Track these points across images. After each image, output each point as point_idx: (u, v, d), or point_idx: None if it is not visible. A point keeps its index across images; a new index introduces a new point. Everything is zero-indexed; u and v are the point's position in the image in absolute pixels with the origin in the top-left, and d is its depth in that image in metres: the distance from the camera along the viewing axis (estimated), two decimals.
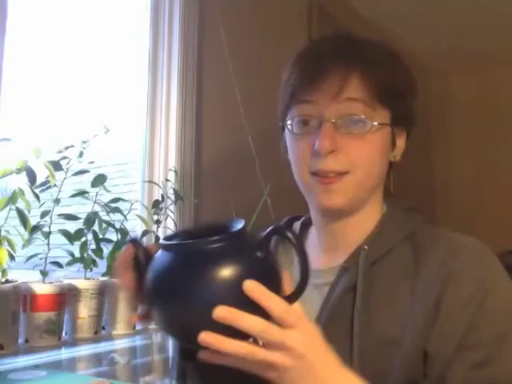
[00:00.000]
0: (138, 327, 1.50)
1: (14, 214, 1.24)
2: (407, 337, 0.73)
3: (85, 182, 1.45)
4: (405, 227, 0.82)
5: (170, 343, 1.59)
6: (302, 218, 0.93)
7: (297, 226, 0.93)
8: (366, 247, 0.79)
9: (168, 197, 1.70)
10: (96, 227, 1.41)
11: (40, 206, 1.32)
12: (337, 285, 0.79)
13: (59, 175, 1.34)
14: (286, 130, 0.83)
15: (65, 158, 1.36)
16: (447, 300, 0.73)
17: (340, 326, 0.76)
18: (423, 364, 0.73)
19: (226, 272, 0.55)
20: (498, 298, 0.73)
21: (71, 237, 1.37)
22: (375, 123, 0.77)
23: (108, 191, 1.44)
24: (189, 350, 0.71)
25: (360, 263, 0.78)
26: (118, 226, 1.46)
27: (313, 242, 0.89)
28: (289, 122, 0.81)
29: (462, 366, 0.70)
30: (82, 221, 1.39)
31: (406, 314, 0.74)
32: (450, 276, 0.74)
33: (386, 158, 0.82)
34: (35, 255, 1.31)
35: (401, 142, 0.84)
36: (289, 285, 0.59)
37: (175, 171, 1.77)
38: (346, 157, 0.77)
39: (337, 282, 0.79)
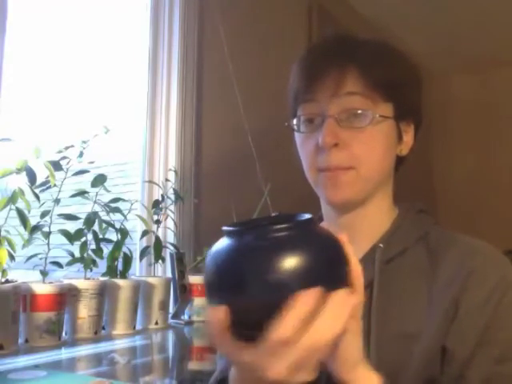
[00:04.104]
0: (138, 327, 1.50)
1: (14, 213, 1.24)
2: (425, 333, 0.73)
3: (85, 181, 1.45)
4: (418, 228, 0.83)
5: (171, 345, 1.59)
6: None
7: None
8: (381, 245, 0.80)
9: (168, 197, 1.70)
10: (96, 227, 1.41)
11: (40, 206, 1.32)
12: None
13: (59, 175, 1.34)
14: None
15: (65, 157, 1.36)
16: (467, 298, 0.73)
17: None
18: (441, 361, 0.73)
19: (293, 262, 0.52)
20: None
21: (71, 237, 1.37)
22: (376, 115, 0.78)
23: (108, 191, 1.44)
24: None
25: (376, 260, 0.79)
26: (118, 225, 1.46)
27: None
28: (295, 122, 0.84)
29: (481, 362, 0.71)
30: (82, 221, 1.40)
31: (423, 310, 0.75)
32: (470, 275, 0.75)
33: (391, 152, 0.83)
34: (35, 255, 1.31)
35: (408, 137, 0.85)
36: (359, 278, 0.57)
37: (175, 171, 1.77)
38: (349, 152, 0.78)
39: None
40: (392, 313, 0.76)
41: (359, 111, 0.78)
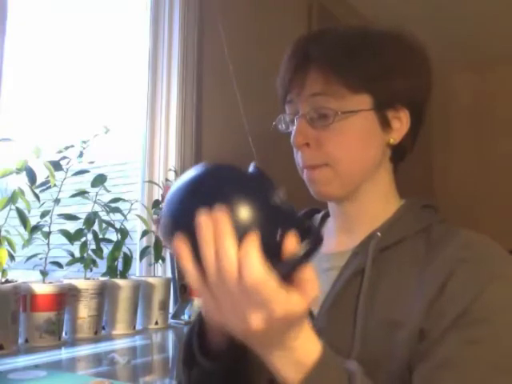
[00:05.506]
0: (138, 327, 1.50)
1: (14, 214, 1.24)
2: (411, 321, 0.72)
3: (85, 181, 1.45)
4: (420, 221, 0.82)
5: (171, 345, 1.59)
6: (322, 212, 0.94)
7: (317, 218, 0.95)
8: (378, 234, 0.80)
9: None
10: (96, 227, 1.41)
11: (40, 206, 1.32)
12: (346, 269, 0.80)
13: (59, 175, 1.34)
14: None
15: (65, 157, 1.36)
16: (452, 284, 0.72)
17: (344, 309, 0.76)
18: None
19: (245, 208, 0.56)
20: (503, 290, 0.72)
21: (71, 237, 1.38)
22: (338, 112, 0.77)
23: (108, 191, 1.45)
24: (193, 359, 0.71)
25: (370, 248, 0.79)
26: (118, 225, 1.46)
27: (328, 229, 0.91)
28: (283, 122, 0.85)
29: (451, 341, 0.69)
30: (82, 221, 1.40)
31: (411, 299, 0.74)
32: (461, 262, 0.73)
33: (374, 143, 0.81)
34: (35, 255, 1.31)
35: (399, 124, 0.82)
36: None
37: (175, 171, 1.77)
38: (320, 150, 0.79)
39: (346, 266, 0.80)
40: (380, 300, 0.75)
41: (323, 110, 0.78)
